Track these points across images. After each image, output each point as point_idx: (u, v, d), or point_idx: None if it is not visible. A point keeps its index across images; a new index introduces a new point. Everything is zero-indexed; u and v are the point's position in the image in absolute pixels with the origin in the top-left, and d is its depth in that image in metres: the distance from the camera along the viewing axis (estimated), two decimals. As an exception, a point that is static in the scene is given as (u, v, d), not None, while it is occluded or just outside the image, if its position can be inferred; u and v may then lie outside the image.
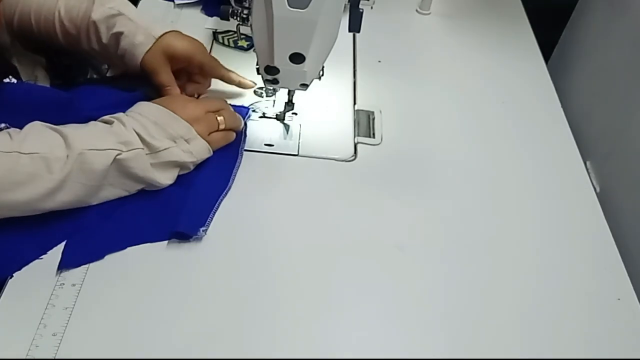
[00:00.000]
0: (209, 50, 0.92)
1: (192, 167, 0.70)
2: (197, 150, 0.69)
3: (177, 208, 0.67)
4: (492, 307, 0.64)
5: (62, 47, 0.80)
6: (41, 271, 0.61)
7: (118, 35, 0.76)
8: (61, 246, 0.63)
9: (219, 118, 0.72)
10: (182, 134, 0.68)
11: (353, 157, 0.79)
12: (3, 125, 0.64)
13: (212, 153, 0.72)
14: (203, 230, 0.66)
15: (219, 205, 0.69)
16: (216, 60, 0.81)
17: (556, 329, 0.63)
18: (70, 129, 0.63)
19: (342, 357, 0.58)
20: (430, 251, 0.69)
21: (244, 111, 0.79)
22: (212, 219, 0.67)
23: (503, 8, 1.11)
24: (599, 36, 1.04)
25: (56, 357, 0.55)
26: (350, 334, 0.60)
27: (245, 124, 0.78)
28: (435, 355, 0.60)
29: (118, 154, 0.63)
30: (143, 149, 0.65)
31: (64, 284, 0.60)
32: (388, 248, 0.68)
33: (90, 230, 0.64)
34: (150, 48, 0.75)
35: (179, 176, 0.69)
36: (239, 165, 0.74)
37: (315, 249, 0.67)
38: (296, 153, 0.78)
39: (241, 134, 0.76)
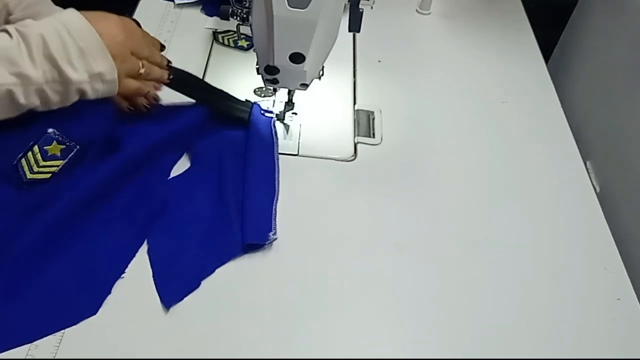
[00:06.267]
0: (209, 51, 0.92)
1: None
2: (103, 92, 0.61)
3: (239, 223, 0.66)
4: (491, 306, 0.65)
5: None
6: (41, 271, 0.61)
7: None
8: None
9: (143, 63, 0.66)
10: (104, 71, 0.60)
11: (353, 157, 0.79)
12: (51, 130, 0.64)
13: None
14: (272, 234, 0.66)
15: (275, 209, 0.69)
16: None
17: (556, 329, 0.63)
18: None
19: (341, 357, 0.58)
20: (430, 251, 0.69)
21: (268, 119, 0.79)
22: (275, 222, 0.67)
23: (503, 8, 1.11)
24: (599, 36, 1.04)
25: (56, 357, 0.55)
26: (349, 334, 0.60)
27: (275, 126, 0.78)
28: (435, 355, 0.60)
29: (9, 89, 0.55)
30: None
31: (64, 284, 0.60)
32: (388, 248, 0.68)
33: (175, 265, 0.63)
34: None
35: (228, 194, 0.68)
36: (278, 170, 0.73)
37: (315, 248, 0.67)
38: (296, 153, 0.78)
39: (272, 139, 0.76)
